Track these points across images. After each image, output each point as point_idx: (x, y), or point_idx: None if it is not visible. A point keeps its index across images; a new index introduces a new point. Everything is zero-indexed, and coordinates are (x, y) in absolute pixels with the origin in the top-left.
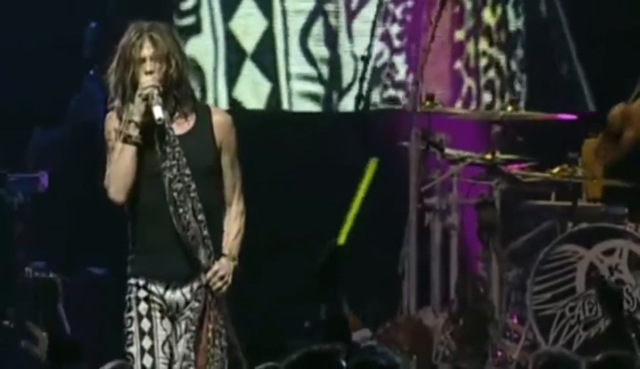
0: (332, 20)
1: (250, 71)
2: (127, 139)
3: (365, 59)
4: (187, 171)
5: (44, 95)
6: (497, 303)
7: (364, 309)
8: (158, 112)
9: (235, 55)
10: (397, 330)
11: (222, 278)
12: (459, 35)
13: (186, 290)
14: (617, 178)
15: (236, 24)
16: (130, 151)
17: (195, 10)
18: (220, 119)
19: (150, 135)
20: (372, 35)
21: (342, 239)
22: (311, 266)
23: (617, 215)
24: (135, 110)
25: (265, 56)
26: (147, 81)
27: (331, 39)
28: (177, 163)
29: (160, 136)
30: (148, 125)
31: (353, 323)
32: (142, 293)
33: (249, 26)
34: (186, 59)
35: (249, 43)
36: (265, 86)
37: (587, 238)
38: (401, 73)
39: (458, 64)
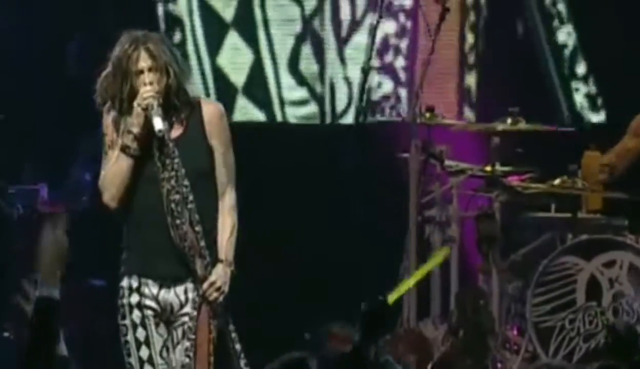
0: (321, 35)
1: (243, 105)
2: (125, 150)
3: (366, 71)
4: (186, 182)
5: (43, 106)
6: (497, 314)
7: None
8: (158, 124)
9: (226, 91)
10: (397, 342)
11: (218, 289)
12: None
13: (180, 289)
14: (617, 190)
15: (223, 59)
16: (127, 162)
17: (182, 46)
18: (209, 109)
19: (148, 143)
20: (372, 48)
21: (392, 298)
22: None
23: (617, 227)
24: (135, 122)
25: (257, 88)
26: (147, 91)
27: (321, 55)
28: (175, 175)
29: (160, 147)
30: (146, 135)
31: (351, 336)
32: (135, 298)
33: (236, 60)
34: (181, 65)
35: (238, 77)
36: (260, 117)
37: (587, 250)
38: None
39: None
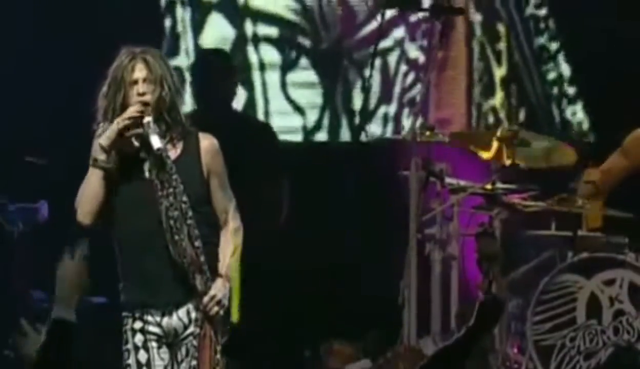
0: None
1: None
2: (94, 163)
3: (366, 90)
4: (184, 198)
5: (43, 124)
6: (498, 333)
7: (365, 339)
8: (156, 142)
9: None
10: (397, 360)
11: (218, 302)
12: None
13: (182, 313)
14: (617, 208)
15: None
16: (97, 175)
17: None
18: (207, 144)
19: (135, 162)
20: (372, 66)
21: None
22: None
23: (618, 245)
24: (107, 134)
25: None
26: (133, 111)
27: None
28: (173, 191)
29: (158, 164)
30: (127, 152)
31: (351, 353)
32: (138, 325)
33: None
34: (177, 85)
35: None
36: None
37: (588, 268)
38: None
39: None
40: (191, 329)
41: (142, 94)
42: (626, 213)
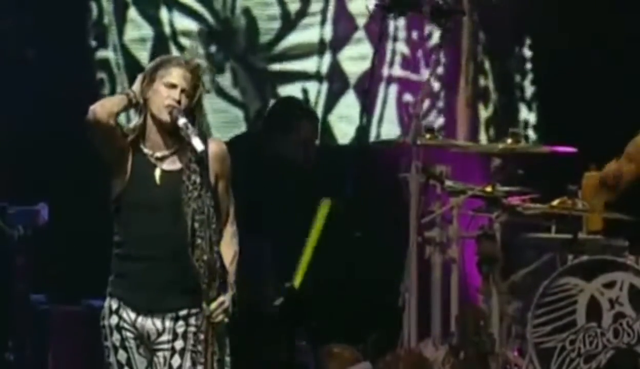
0: None
1: None
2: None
3: (365, 92)
4: (213, 202)
5: (44, 125)
6: (498, 335)
7: (365, 342)
8: (199, 145)
9: None
10: (397, 363)
11: (225, 310)
12: None
13: (157, 319)
14: (617, 211)
15: None
16: (123, 100)
17: None
18: (216, 149)
19: (147, 167)
20: (372, 68)
21: (297, 282)
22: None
23: (618, 248)
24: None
25: None
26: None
27: None
28: (203, 195)
29: (198, 166)
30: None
31: (352, 356)
32: (114, 320)
33: None
34: (202, 98)
35: None
36: None
37: (588, 271)
38: None
39: None
40: (164, 337)
41: (178, 101)
42: (626, 216)
